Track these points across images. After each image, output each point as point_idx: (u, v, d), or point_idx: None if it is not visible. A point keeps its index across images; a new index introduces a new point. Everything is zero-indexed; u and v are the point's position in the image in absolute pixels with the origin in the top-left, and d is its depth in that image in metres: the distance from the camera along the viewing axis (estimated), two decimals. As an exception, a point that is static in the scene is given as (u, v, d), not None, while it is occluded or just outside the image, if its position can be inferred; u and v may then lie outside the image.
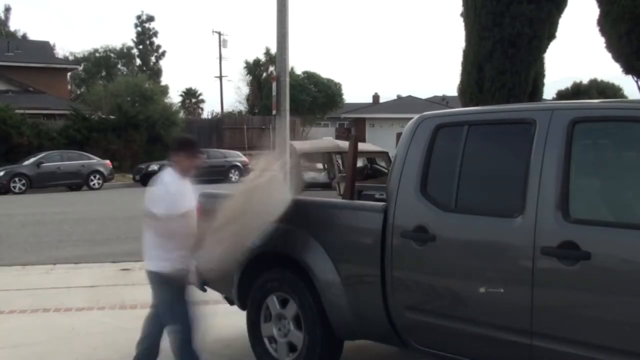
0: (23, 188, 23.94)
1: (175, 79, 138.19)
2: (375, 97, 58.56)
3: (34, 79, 38.22)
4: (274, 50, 16.17)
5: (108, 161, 27.01)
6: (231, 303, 5.54)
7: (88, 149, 28.64)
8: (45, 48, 44.69)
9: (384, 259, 3.98)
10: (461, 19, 11.65)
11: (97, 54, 58.89)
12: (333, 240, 4.32)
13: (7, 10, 60.43)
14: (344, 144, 13.92)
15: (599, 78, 29.28)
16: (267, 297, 4.70)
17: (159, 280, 4.35)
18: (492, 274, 3.56)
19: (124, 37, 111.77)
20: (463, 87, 11.56)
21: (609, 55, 10.66)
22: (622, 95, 26.29)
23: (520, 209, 3.45)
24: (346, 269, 4.22)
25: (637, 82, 10.89)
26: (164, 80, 60.84)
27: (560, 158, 3.39)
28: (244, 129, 40.19)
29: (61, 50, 56.78)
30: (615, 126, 3.42)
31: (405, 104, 48.14)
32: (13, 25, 60.22)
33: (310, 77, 47.83)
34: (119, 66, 60.44)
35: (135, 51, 61.08)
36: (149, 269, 4.41)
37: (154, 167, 27.69)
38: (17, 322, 6.52)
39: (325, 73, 69.49)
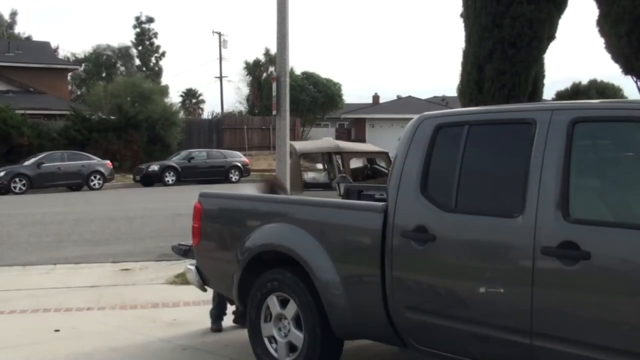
0: (23, 188, 23.96)
1: (175, 80, 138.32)
2: (375, 98, 58.56)
3: (34, 80, 38.23)
4: (273, 51, 16.18)
5: (108, 161, 27.03)
6: (231, 303, 5.55)
7: (88, 149, 28.66)
8: (45, 48, 44.69)
9: (384, 259, 3.98)
10: (461, 20, 11.65)
11: (96, 54, 58.86)
12: (333, 240, 4.32)
13: (14, 14, 60.61)
14: (344, 144, 13.97)
15: (599, 78, 29.31)
16: (267, 297, 4.70)
17: None
18: (492, 274, 3.56)
19: (124, 37, 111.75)
20: (463, 87, 11.55)
21: (608, 56, 10.65)
22: (622, 96, 26.29)
23: (520, 209, 3.46)
24: (346, 269, 4.22)
25: (636, 82, 10.87)
26: (164, 80, 60.80)
27: (560, 158, 3.39)
28: (244, 129, 40.24)
29: (62, 51, 56.80)
30: (615, 126, 3.42)
31: (405, 104, 48.14)
32: (17, 28, 60.38)
33: (310, 77, 47.80)
34: (118, 65, 60.45)
35: (134, 52, 61.07)
36: None
37: (154, 167, 27.74)
38: (17, 322, 6.53)
39: (324, 73, 69.30)
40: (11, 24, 59.40)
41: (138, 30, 60.45)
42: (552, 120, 3.48)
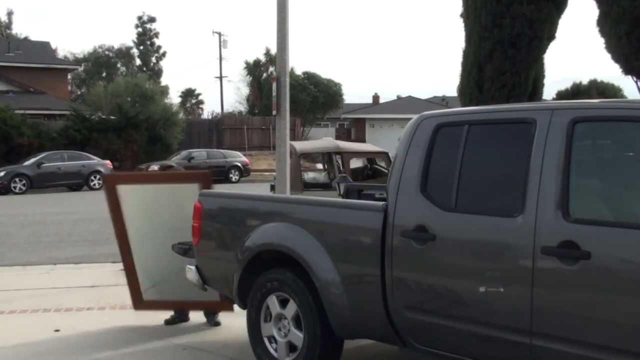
0: (23, 188, 23.96)
1: (175, 80, 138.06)
2: (375, 98, 58.59)
3: (34, 80, 38.26)
4: (274, 51, 16.18)
5: (108, 161, 27.01)
6: (231, 303, 5.54)
7: (88, 149, 28.66)
8: (45, 48, 44.69)
9: (384, 258, 3.98)
10: (461, 20, 11.65)
11: (96, 54, 58.94)
12: (333, 239, 4.32)
13: (10, 14, 60.73)
14: (344, 144, 13.96)
15: (599, 78, 29.30)
16: (267, 297, 4.69)
17: None
18: (492, 274, 3.56)
19: (125, 37, 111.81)
20: (463, 87, 11.55)
21: (608, 56, 10.66)
22: (622, 96, 26.29)
23: (520, 209, 3.46)
24: (346, 269, 4.22)
25: (636, 82, 10.87)
26: (164, 80, 60.99)
27: (560, 158, 3.39)
28: (244, 130, 40.26)
29: (61, 51, 56.84)
30: (615, 126, 3.42)
31: (405, 104, 48.15)
32: (15, 28, 60.44)
33: (310, 77, 47.85)
34: (118, 65, 60.50)
35: (135, 51, 61.16)
36: None
37: (154, 167, 27.69)
38: (17, 322, 6.52)
39: (325, 73, 69.49)
40: (8, 24, 59.43)
41: (140, 30, 60.53)
42: (552, 120, 3.48)
